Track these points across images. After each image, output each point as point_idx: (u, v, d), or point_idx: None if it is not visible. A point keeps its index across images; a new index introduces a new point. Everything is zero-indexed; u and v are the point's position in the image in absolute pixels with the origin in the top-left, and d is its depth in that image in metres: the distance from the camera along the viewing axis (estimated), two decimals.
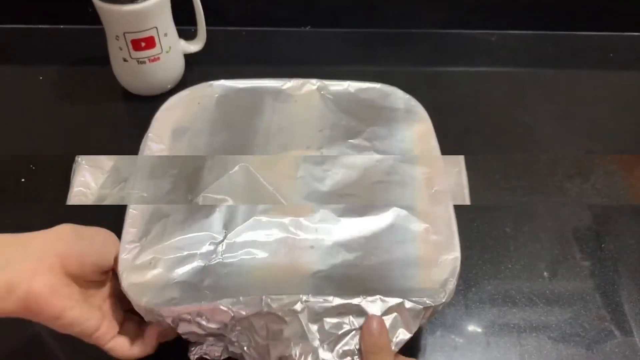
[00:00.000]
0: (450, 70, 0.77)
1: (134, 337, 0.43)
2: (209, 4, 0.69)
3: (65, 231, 0.40)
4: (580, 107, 0.71)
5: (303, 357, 0.39)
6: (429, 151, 0.52)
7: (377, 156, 0.51)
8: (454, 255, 0.44)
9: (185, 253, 0.44)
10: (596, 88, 0.74)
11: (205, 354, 0.42)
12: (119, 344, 0.42)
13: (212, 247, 0.44)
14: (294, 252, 0.44)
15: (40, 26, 0.80)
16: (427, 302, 0.40)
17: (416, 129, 0.54)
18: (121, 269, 0.43)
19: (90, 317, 0.40)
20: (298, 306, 0.39)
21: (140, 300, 0.41)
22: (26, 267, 0.37)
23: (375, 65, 0.77)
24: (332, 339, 0.39)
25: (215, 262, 0.44)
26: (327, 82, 0.58)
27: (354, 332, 0.39)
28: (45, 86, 0.72)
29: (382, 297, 0.39)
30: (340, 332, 0.39)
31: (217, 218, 0.46)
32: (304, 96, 0.57)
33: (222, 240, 0.45)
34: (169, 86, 0.70)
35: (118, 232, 0.45)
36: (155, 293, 0.41)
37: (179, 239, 0.45)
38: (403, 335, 0.40)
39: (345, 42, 0.80)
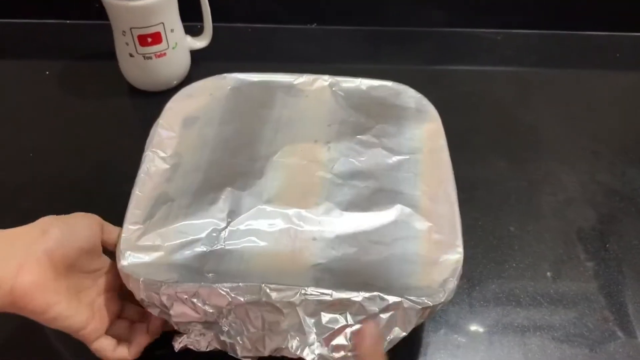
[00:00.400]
0: (454, 69, 0.77)
1: (120, 340, 0.43)
2: (215, 1, 0.69)
3: (48, 224, 0.40)
4: (584, 107, 0.71)
5: (300, 350, 0.39)
6: (438, 150, 0.52)
7: (384, 152, 0.51)
8: (456, 255, 0.44)
9: (189, 238, 0.44)
10: (601, 88, 0.74)
11: (190, 344, 0.41)
12: (105, 345, 0.42)
13: (215, 234, 0.44)
14: (296, 243, 0.44)
15: (46, 21, 0.81)
16: (426, 301, 0.40)
17: (426, 127, 0.54)
18: (123, 248, 0.43)
19: (76, 312, 0.40)
20: (296, 299, 0.39)
21: (139, 277, 0.40)
22: (13, 263, 0.37)
23: (380, 63, 0.77)
24: (328, 334, 0.39)
25: (217, 248, 0.44)
26: (339, 79, 0.58)
27: (349, 327, 0.39)
28: (51, 81, 0.73)
29: (380, 295, 0.39)
30: (337, 327, 0.39)
31: (221, 205, 0.46)
32: (315, 91, 0.58)
33: (226, 227, 0.45)
34: (175, 82, 0.70)
35: (119, 216, 0.45)
36: (155, 273, 0.41)
37: (183, 223, 0.45)
38: (398, 333, 0.40)
39: (351, 39, 0.80)
